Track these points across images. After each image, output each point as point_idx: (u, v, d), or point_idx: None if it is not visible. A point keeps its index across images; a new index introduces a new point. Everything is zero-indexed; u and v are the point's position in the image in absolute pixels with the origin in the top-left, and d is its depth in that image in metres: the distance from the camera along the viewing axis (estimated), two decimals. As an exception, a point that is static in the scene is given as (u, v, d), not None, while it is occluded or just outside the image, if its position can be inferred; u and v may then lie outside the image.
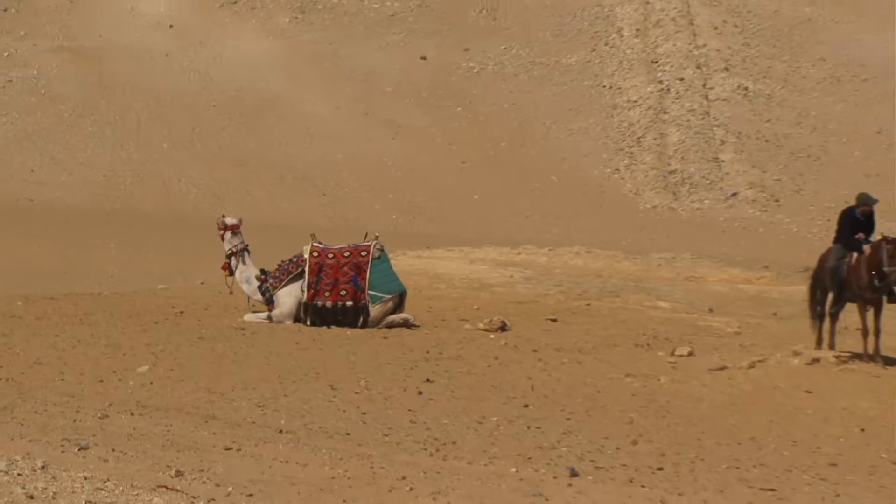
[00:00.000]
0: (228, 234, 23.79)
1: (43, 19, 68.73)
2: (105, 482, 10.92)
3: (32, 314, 23.99)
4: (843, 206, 24.87)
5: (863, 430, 18.03)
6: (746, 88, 64.65)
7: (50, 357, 20.10)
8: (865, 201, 22.31)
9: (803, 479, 15.31)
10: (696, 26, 72.25)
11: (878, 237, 23.34)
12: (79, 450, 12.78)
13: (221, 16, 71.49)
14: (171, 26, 65.72)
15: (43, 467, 10.98)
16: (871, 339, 21.64)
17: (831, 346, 21.99)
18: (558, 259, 29.07)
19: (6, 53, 63.32)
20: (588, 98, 67.24)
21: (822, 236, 26.14)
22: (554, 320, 25.42)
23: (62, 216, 49.27)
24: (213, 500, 11.20)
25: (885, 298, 22.26)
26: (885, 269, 21.82)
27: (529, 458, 15.15)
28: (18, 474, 10.62)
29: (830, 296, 22.52)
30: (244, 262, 23.44)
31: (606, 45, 68.98)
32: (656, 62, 67.56)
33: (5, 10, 64.84)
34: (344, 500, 12.38)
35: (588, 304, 27.02)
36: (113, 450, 13.16)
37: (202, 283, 27.10)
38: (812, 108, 64.32)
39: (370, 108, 68.43)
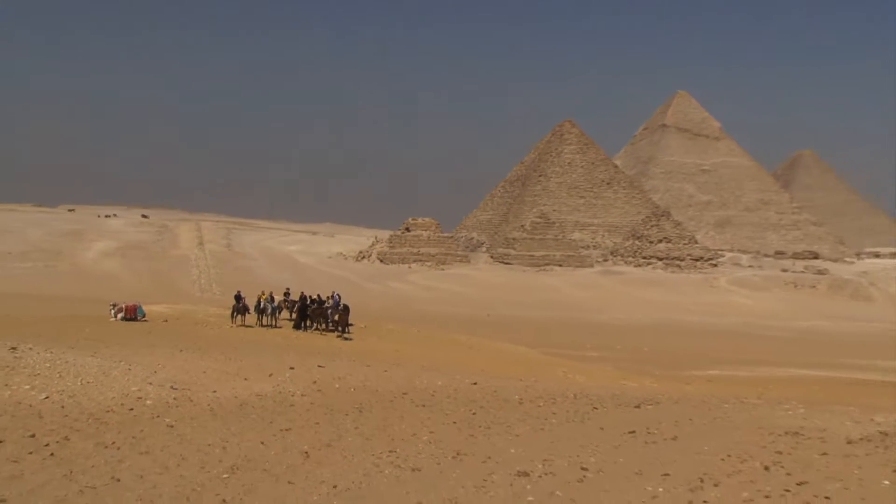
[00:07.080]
0: (112, 307, 25.27)
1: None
2: (74, 357, 13.01)
3: (51, 319, 24.09)
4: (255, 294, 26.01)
5: (270, 344, 20.56)
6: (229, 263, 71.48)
7: (53, 329, 20.90)
8: (262, 299, 24.14)
9: (240, 351, 18.23)
10: (212, 259, 78.13)
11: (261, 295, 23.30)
12: (68, 348, 14.44)
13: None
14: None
15: (50, 352, 12.85)
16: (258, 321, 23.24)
17: (236, 324, 24.92)
18: (178, 307, 30.65)
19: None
20: (184, 272, 76.39)
21: (229, 301, 26.49)
22: (176, 318, 27.02)
23: (56, 299, 49.64)
24: (110, 360, 12.95)
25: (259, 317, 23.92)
26: (261, 305, 23.76)
27: (167, 351, 17.76)
28: (37, 353, 12.28)
29: (237, 313, 24.12)
30: (114, 310, 25.09)
31: (191, 266, 76.67)
32: (199, 274, 75.29)
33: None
34: (147, 358, 14.36)
35: (179, 317, 27.00)
36: (76, 349, 15.44)
37: (109, 311, 25.25)
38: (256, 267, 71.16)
39: (131, 263, 69.59)
